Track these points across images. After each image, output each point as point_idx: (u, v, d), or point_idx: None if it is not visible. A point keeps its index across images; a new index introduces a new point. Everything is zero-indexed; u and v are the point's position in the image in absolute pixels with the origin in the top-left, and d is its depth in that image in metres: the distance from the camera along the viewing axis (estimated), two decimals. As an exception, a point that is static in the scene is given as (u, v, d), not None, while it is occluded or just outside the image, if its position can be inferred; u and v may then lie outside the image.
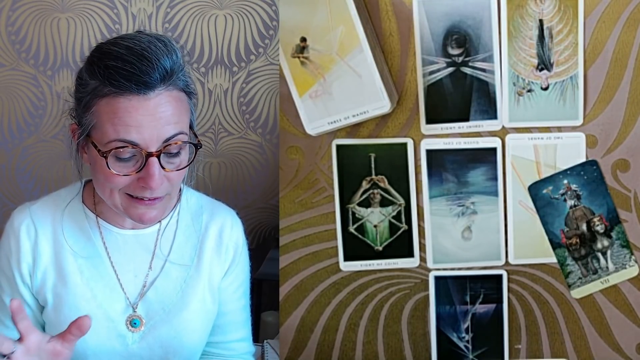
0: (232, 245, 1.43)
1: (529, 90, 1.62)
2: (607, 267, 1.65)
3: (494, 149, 1.63)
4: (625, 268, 1.65)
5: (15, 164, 2.40)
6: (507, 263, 1.67)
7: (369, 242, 1.67)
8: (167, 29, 2.30)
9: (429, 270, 1.67)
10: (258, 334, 2.12)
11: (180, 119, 1.23)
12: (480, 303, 1.67)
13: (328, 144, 1.65)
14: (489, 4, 1.60)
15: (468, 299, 1.67)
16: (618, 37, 1.60)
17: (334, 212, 1.66)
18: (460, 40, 1.61)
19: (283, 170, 1.67)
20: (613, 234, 1.64)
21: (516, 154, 1.63)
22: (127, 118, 1.19)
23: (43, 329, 1.38)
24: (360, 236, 1.67)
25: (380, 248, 1.67)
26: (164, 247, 1.39)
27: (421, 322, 1.69)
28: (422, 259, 1.67)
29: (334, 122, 1.60)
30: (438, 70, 1.62)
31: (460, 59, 1.62)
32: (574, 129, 1.63)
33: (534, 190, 1.64)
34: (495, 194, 1.65)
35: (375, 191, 1.65)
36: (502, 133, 1.63)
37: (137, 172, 1.22)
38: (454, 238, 1.66)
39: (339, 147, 1.64)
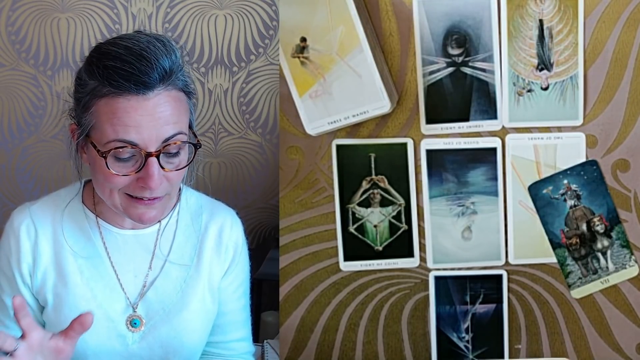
0: (231, 245, 1.43)
1: (529, 90, 1.62)
2: (607, 267, 1.65)
3: (494, 149, 1.63)
4: (625, 268, 1.65)
5: (15, 164, 2.40)
6: (507, 263, 1.67)
7: (369, 242, 1.67)
8: (167, 29, 2.30)
9: (429, 270, 1.67)
10: (258, 334, 2.12)
11: (180, 119, 1.23)
12: (480, 303, 1.67)
13: (328, 144, 1.65)
14: (489, 4, 1.60)
15: (468, 299, 1.67)
16: (618, 37, 1.60)
17: (334, 212, 1.66)
18: (460, 40, 1.61)
19: (283, 170, 1.67)
20: (613, 234, 1.64)
21: (516, 154, 1.63)
22: (126, 118, 1.19)
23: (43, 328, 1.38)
24: (360, 236, 1.67)
25: (380, 248, 1.67)
26: (164, 247, 1.39)
27: (421, 322, 1.69)
28: (422, 259, 1.67)
29: (334, 122, 1.60)
30: (438, 70, 1.62)
31: (460, 59, 1.62)
32: (574, 129, 1.63)
33: (534, 190, 1.64)
34: (495, 194, 1.65)
35: (375, 191, 1.65)
36: (502, 133, 1.63)
37: (136, 172, 1.22)
38: (454, 238, 1.66)
39: (339, 147, 1.64)
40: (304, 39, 1.59)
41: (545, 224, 1.64)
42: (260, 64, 2.34)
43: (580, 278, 1.65)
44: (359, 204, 1.66)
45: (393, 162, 1.64)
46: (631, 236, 1.64)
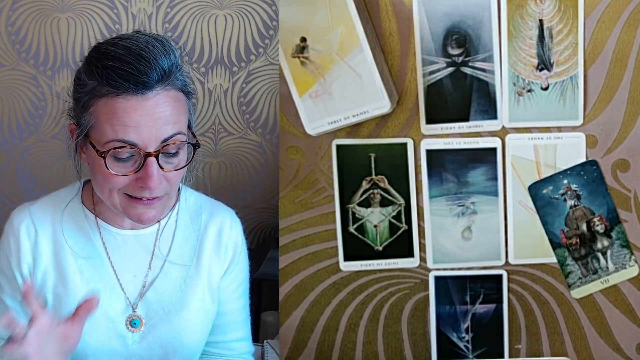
0: (231, 244, 1.43)
1: (529, 90, 1.62)
2: (607, 267, 1.65)
3: (494, 149, 1.63)
4: (625, 268, 1.65)
5: (15, 164, 2.40)
6: (507, 263, 1.67)
7: (369, 242, 1.67)
8: (167, 29, 2.30)
9: (429, 270, 1.67)
10: (258, 334, 2.12)
11: (179, 119, 1.23)
12: (480, 303, 1.67)
13: (328, 144, 1.65)
14: (489, 4, 1.60)
15: (468, 299, 1.67)
16: (618, 37, 1.60)
17: (334, 212, 1.66)
18: (460, 40, 1.61)
19: (283, 170, 1.67)
20: (613, 234, 1.64)
21: (516, 154, 1.63)
22: (126, 118, 1.19)
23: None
24: (360, 236, 1.67)
25: (380, 248, 1.67)
26: (163, 247, 1.39)
27: (421, 322, 1.69)
28: (422, 259, 1.67)
29: (334, 122, 1.60)
30: (438, 70, 1.62)
31: (460, 59, 1.62)
32: (574, 129, 1.63)
33: (534, 190, 1.64)
34: (495, 194, 1.65)
35: (375, 191, 1.65)
36: (502, 133, 1.63)
37: (135, 172, 1.22)
38: (454, 238, 1.66)
39: (339, 147, 1.64)
40: (304, 39, 1.59)
41: (545, 224, 1.64)
42: (260, 64, 2.34)
43: (580, 278, 1.65)
44: (359, 204, 1.66)
45: (393, 162, 1.64)
46: (631, 236, 1.64)
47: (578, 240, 1.64)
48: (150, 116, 1.19)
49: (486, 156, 1.64)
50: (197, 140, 1.28)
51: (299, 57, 1.60)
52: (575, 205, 1.64)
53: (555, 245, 1.65)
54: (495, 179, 1.64)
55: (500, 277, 1.67)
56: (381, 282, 1.68)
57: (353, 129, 1.64)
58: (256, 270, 2.10)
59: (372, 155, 1.64)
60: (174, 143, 1.23)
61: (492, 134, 1.63)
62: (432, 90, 1.62)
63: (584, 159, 1.63)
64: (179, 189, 1.41)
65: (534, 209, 1.64)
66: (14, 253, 1.34)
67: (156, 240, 1.39)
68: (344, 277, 1.68)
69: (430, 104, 1.62)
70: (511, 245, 1.66)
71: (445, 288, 1.67)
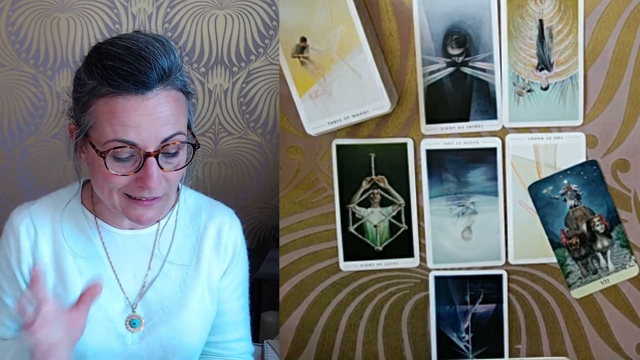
0: (230, 244, 1.43)
1: (529, 90, 1.62)
2: (607, 267, 1.65)
3: (494, 149, 1.63)
4: (625, 268, 1.65)
5: (15, 164, 2.40)
6: (507, 263, 1.67)
7: (369, 242, 1.67)
8: (167, 29, 2.30)
9: (429, 270, 1.67)
10: (258, 334, 2.12)
11: (179, 119, 1.23)
12: (480, 303, 1.67)
13: (328, 144, 1.65)
14: (489, 4, 1.60)
15: (468, 299, 1.67)
16: (618, 37, 1.60)
17: (334, 212, 1.66)
18: (460, 40, 1.61)
19: (283, 170, 1.67)
20: (613, 234, 1.64)
21: (516, 154, 1.63)
22: (125, 118, 1.19)
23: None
24: (360, 236, 1.67)
25: (380, 248, 1.67)
26: (163, 247, 1.39)
27: (421, 322, 1.69)
28: (422, 259, 1.67)
29: (334, 122, 1.60)
30: (438, 70, 1.62)
31: (460, 59, 1.62)
32: (574, 129, 1.63)
33: (534, 190, 1.64)
34: (495, 194, 1.65)
35: (375, 191, 1.65)
36: (502, 133, 1.63)
37: (135, 172, 1.22)
38: (454, 238, 1.66)
39: (339, 147, 1.64)
40: (304, 39, 1.59)
41: (545, 224, 1.64)
42: (260, 64, 2.34)
43: (580, 278, 1.65)
44: (359, 204, 1.66)
45: (393, 162, 1.64)
46: (631, 236, 1.64)
47: (578, 240, 1.64)
48: (150, 116, 1.19)
49: (486, 156, 1.64)
50: (196, 141, 1.28)
51: (299, 57, 1.60)
52: (575, 205, 1.64)
53: (555, 245, 1.65)
54: (495, 179, 1.64)
55: (500, 277, 1.67)
56: (381, 282, 1.68)
57: (353, 129, 1.64)
58: (256, 270, 2.10)
59: (372, 155, 1.64)
60: (174, 143, 1.23)
61: (492, 134, 1.63)
62: (432, 90, 1.62)
63: (584, 159, 1.63)
64: (178, 189, 1.41)
65: (534, 209, 1.64)
66: (14, 253, 1.34)
67: (156, 241, 1.39)
68: (344, 277, 1.68)
69: (430, 104, 1.62)
70: (511, 245, 1.66)
71: (445, 288, 1.67)
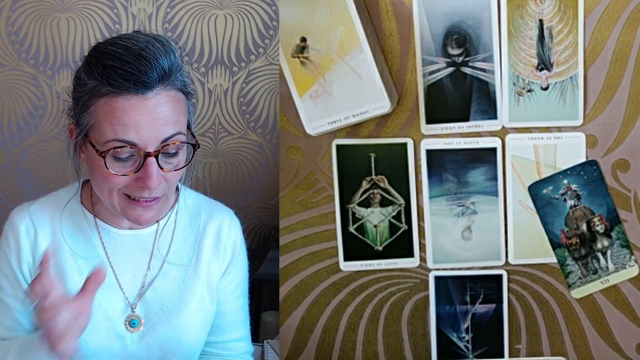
0: (230, 245, 1.43)
1: (529, 90, 1.62)
2: (607, 267, 1.65)
3: (494, 149, 1.63)
4: (625, 268, 1.65)
5: (15, 164, 2.40)
6: (507, 263, 1.67)
7: (369, 242, 1.67)
8: (167, 29, 2.30)
9: (429, 270, 1.67)
10: (258, 334, 2.12)
11: (179, 119, 1.23)
12: (480, 303, 1.67)
13: (328, 144, 1.65)
14: (489, 4, 1.60)
15: (468, 299, 1.67)
16: (618, 37, 1.60)
17: (334, 212, 1.66)
18: (460, 40, 1.61)
19: (283, 170, 1.67)
20: (613, 234, 1.64)
21: (516, 154, 1.63)
22: (125, 118, 1.19)
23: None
24: (360, 236, 1.67)
25: (380, 248, 1.67)
26: (162, 248, 1.39)
27: (421, 322, 1.69)
28: (422, 259, 1.67)
29: (334, 122, 1.60)
30: (438, 70, 1.62)
31: (460, 59, 1.62)
32: (574, 129, 1.63)
33: (534, 190, 1.64)
34: (495, 194, 1.65)
35: (375, 191, 1.65)
36: (502, 133, 1.63)
37: (135, 172, 1.22)
38: (454, 238, 1.66)
39: (339, 147, 1.64)
40: (304, 39, 1.59)
41: (545, 224, 1.64)
42: (260, 64, 2.34)
43: (580, 278, 1.65)
44: (359, 204, 1.66)
45: (393, 162, 1.64)
46: (631, 236, 1.64)
47: (578, 240, 1.64)
48: (150, 116, 1.19)
49: (486, 156, 1.64)
50: (196, 141, 1.28)
51: (299, 57, 1.60)
52: (575, 205, 1.64)
53: (555, 245, 1.65)
54: (495, 179, 1.64)
55: (500, 277, 1.67)
56: (381, 282, 1.68)
57: (353, 129, 1.64)
58: (256, 270, 2.10)
59: (372, 155, 1.64)
60: (174, 143, 1.23)
61: (492, 134, 1.63)
62: (432, 90, 1.62)
63: (584, 159, 1.63)
64: (177, 190, 1.41)
65: (534, 209, 1.64)
66: (14, 252, 1.34)
67: (155, 241, 1.39)
68: (344, 277, 1.68)
69: (430, 104, 1.62)
70: (511, 245, 1.66)
71: (445, 288, 1.67)
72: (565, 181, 1.63)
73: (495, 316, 1.67)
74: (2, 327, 1.36)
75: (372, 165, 1.65)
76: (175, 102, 1.23)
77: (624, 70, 1.60)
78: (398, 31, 1.62)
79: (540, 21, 1.60)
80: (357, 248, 1.67)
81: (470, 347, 1.68)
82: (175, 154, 1.24)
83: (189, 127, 1.29)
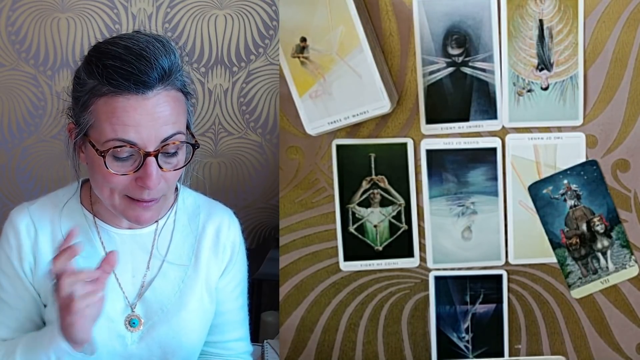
0: (229, 244, 1.43)
1: (529, 90, 1.62)
2: (607, 267, 1.65)
3: (494, 149, 1.63)
4: (625, 268, 1.65)
5: (15, 164, 2.40)
6: (507, 263, 1.67)
7: (369, 242, 1.67)
8: (167, 29, 2.30)
9: (429, 270, 1.67)
10: (258, 334, 2.12)
11: (178, 119, 1.23)
12: (480, 303, 1.67)
13: (328, 144, 1.65)
14: (489, 4, 1.60)
15: (468, 299, 1.67)
16: (618, 37, 1.60)
17: (334, 212, 1.66)
18: (460, 40, 1.61)
19: (283, 170, 1.67)
20: (613, 234, 1.64)
21: (516, 154, 1.63)
22: (125, 117, 1.19)
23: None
24: (360, 236, 1.67)
25: (380, 248, 1.67)
26: (162, 247, 1.39)
27: (421, 322, 1.69)
28: (422, 259, 1.67)
29: (334, 122, 1.60)
30: (438, 70, 1.62)
31: (460, 59, 1.62)
32: (574, 129, 1.63)
33: (534, 190, 1.64)
34: (495, 194, 1.65)
35: (375, 191, 1.65)
36: (502, 133, 1.63)
37: (134, 172, 1.22)
38: (454, 238, 1.66)
39: (339, 147, 1.64)
40: (304, 39, 1.59)
41: (545, 224, 1.64)
42: (260, 64, 2.34)
43: (580, 278, 1.65)
44: (359, 204, 1.66)
45: (393, 162, 1.64)
46: (631, 236, 1.64)
47: (578, 240, 1.64)
48: (150, 116, 1.19)
49: (486, 156, 1.64)
50: (195, 141, 1.28)
51: (299, 57, 1.60)
52: (575, 205, 1.64)
53: (555, 245, 1.65)
54: (495, 179, 1.64)
55: (500, 277, 1.67)
56: (381, 282, 1.68)
57: (353, 129, 1.64)
58: (256, 270, 2.10)
59: (372, 155, 1.64)
60: (174, 143, 1.23)
61: (492, 134, 1.63)
62: (432, 90, 1.62)
63: (584, 159, 1.63)
64: (176, 190, 1.41)
65: (534, 209, 1.64)
66: (15, 251, 1.34)
67: (154, 241, 1.39)
68: (344, 277, 1.68)
69: (430, 104, 1.62)
70: (511, 245, 1.66)
71: (445, 288, 1.67)
72: (565, 181, 1.63)
73: (495, 316, 1.67)
74: (4, 327, 1.36)
75: (372, 165, 1.65)
76: (175, 102, 1.23)
77: (624, 70, 1.61)
78: (398, 31, 1.62)
79: (540, 21, 1.60)
80: (357, 248, 1.67)
81: (470, 347, 1.68)
82: (174, 154, 1.24)
83: (188, 127, 1.29)
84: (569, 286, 1.66)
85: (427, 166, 1.64)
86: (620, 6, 1.59)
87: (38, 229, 1.35)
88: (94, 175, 1.25)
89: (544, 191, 1.64)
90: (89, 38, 2.29)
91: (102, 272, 1.21)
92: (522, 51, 1.61)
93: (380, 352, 1.69)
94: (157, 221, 1.38)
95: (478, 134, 1.63)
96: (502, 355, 1.68)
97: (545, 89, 1.61)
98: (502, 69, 1.61)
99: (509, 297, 1.67)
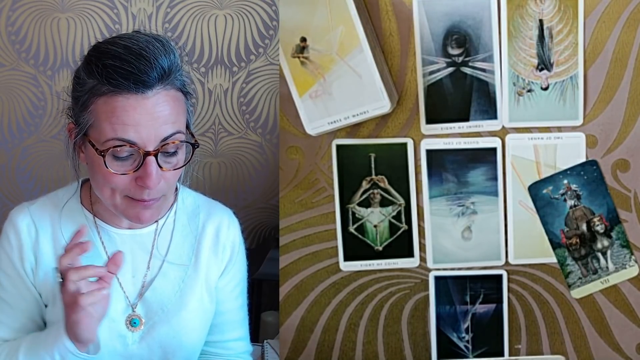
0: (229, 244, 1.43)
1: (529, 90, 1.62)
2: (607, 267, 1.65)
3: (494, 149, 1.63)
4: (625, 268, 1.65)
5: (15, 164, 2.40)
6: (507, 263, 1.67)
7: (369, 242, 1.67)
8: (167, 29, 2.30)
9: (429, 270, 1.67)
10: (258, 334, 2.12)
11: (178, 119, 1.23)
12: (480, 303, 1.67)
13: (328, 144, 1.65)
14: (489, 4, 1.60)
15: (468, 299, 1.67)
16: (618, 37, 1.60)
17: (334, 212, 1.66)
18: (460, 40, 1.61)
19: (283, 170, 1.67)
20: (613, 234, 1.64)
21: (516, 154, 1.63)
22: (125, 117, 1.19)
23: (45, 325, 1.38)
24: (360, 236, 1.67)
25: (380, 248, 1.67)
26: (162, 247, 1.39)
27: (421, 322, 1.69)
28: (422, 259, 1.67)
29: (334, 122, 1.60)
30: (438, 70, 1.62)
31: (460, 59, 1.62)
32: (574, 129, 1.63)
33: (534, 190, 1.64)
34: (495, 194, 1.65)
35: (375, 191, 1.65)
36: (502, 133, 1.63)
37: (134, 172, 1.22)
38: (454, 238, 1.66)
39: (339, 147, 1.64)
40: (304, 39, 1.59)
41: (545, 224, 1.64)
42: (260, 64, 2.34)
43: (580, 278, 1.65)
44: (359, 204, 1.66)
45: (393, 162, 1.64)
46: (631, 236, 1.64)
47: (578, 240, 1.64)
48: (150, 115, 1.19)
49: (486, 156, 1.64)
50: (195, 140, 1.28)
51: (299, 57, 1.60)
52: (575, 205, 1.64)
53: (555, 245, 1.65)
54: (495, 179, 1.64)
55: (500, 277, 1.67)
56: (381, 282, 1.68)
57: (353, 129, 1.64)
58: (256, 270, 2.10)
59: (372, 155, 1.64)
60: (173, 142, 1.23)
61: (492, 134, 1.63)
62: (432, 90, 1.62)
63: (584, 159, 1.63)
64: (176, 190, 1.41)
65: (534, 209, 1.64)
66: (15, 251, 1.34)
67: (154, 240, 1.39)
68: (344, 277, 1.68)
69: (430, 104, 1.62)
70: (511, 245, 1.66)
71: (445, 288, 1.67)
72: (565, 181, 1.63)
73: (495, 316, 1.67)
74: (5, 327, 1.36)
75: (372, 165, 1.65)
76: (175, 102, 1.23)
77: (624, 70, 1.61)
78: (398, 31, 1.62)
79: (540, 21, 1.60)
80: (357, 248, 1.67)
81: (470, 347, 1.68)
82: (174, 153, 1.24)
83: (188, 127, 1.29)
84: (569, 286, 1.66)
85: (427, 166, 1.64)
86: (620, 6, 1.59)
87: (39, 228, 1.35)
88: (94, 176, 1.25)
89: (544, 191, 1.64)
90: (89, 38, 2.29)
91: (107, 272, 1.22)
92: (522, 51, 1.61)
93: (380, 352, 1.69)
94: (157, 221, 1.38)
95: (478, 134, 1.63)
96: (502, 355, 1.68)
97: (545, 89, 1.61)
98: (502, 69, 1.61)
99: (509, 297, 1.67)
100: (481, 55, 1.61)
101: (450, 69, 1.62)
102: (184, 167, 1.28)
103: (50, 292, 1.34)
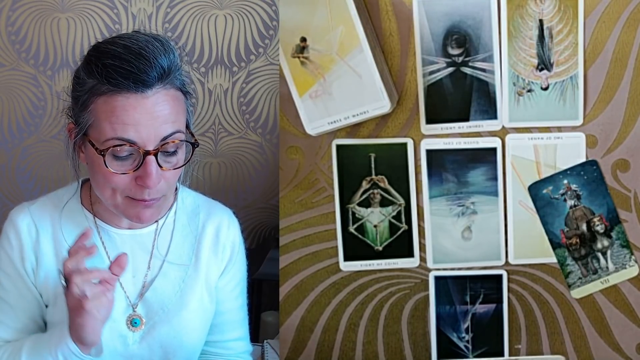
0: (229, 244, 1.44)
1: (529, 90, 1.62)
2: (607, 267, 1.65)
3: (494, 149, 1.63)
4: (625, 268, 1.65)
5: (15, 164, 2.40)
6: (507, 263, 1.67)
7: (369, 242, 1.67)
8: (167, 29, 2.30)
9: (429, 270, 1.67)
10: (258, 334, 2.12)
11: (177, 118, 1.24)
12: (480, 303, 1.67)
13: (328, 144, 1.65)
14: (489, 4, 1.60)
15: (468, 299, 1.67)
16: (618, 37, 1.60)
17: (334, 212, 1.66)
18: (460, 40, 1.61)
19: (283, 170, 1.67)
20: (613, 234, 1.64)
21: (516, 154, 1.63)
22: (125, 116, 1.19)
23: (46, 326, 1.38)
24: (360, 236, 1.67)
25: (380, 248, 1.67)
26: (162, 247, 1.39)
27: (421, 322, 1.69)
28: (422, 259, 1.67)
29: (334, 122, 1.60)
30: (438, 70, 1.62)
31: (460, 59, 1.62)
32: (574, 129, 1.63)
33: (534, 190, 1.64)
34: (495, 194, 1.65)
35: (375, 191, 1.65)
36: (502, 133, 1.63)
37: (134, 171, 1.22)
38: (454, 238, 1.66)
39: (339, 147, 1.64)
40: (304, 39, 1.59)
41: (545, 224, 1.64)
42: (260, 64, 2.34)
43: (580, 278, 1.65)
44: (359, 204, 1.66)
45: (393, 162, 1.64)
46: (631, 236, 1.64)
47: (578, 240, 1.64)
48: (150, 114, 1.19)
49: (486, 156, 1.64)
50: (195, 140, 1.28)
51: (299, 57, 1.60)
52: (575, 205, 1.64)
53: (555, 245, 1.65)
54: (495, 179, 1.64)
55: (500, 277, 1.67)
56: (381, 282, 1.68)
57: (353, 129, 1.64)
58: (256, 270, 2.10)
59: (372, 155, 1.64)
60: (173, 142, 1.23)
61: (492, 134, 1.63)
62: (432, 90, 1.62)
63: (584, 159, 1.63)
64: (176, 190, 1.41)
65: (534, 209, 1.64)
66: (16, 251, 1.34)
67: (154, 240, 1.39)
68: (344, 277, 1.68)
69: (430, 104, 1.62)
70: (511, 245, 1.66)
71: (445, 288, 1.67)
72: (565, 181, 1.63)
73: (495, 316, 1.67)
74: (5, 327, 1.36)
75: (372, 165, 1.65)
76: (174, 101, 1.23)
77: (624, 70, 1.61)
78: (398, 31, 1.62)
79: (540, 21, 1.60)
80: (357, 248, 1.67)
81: (470, 347, 1.68)
82: (174, 153, 1.24)
83: (188, 127, 1.29)
84: (569, 286, 1.66)
85: (427, 166, 1.64)
86: (620, 6, 1.59)
87: (39, 228, 1.35)
88: (95, 175, 1.25)
89: (544, 191, 1.64)
90: (89, 38, 2.29)
91: (111, 274, 1.21)
92: (522, 51, 1.61)
93: (380, 352, 1.69)
94: (157, 221, 1.38)
95: (478, 134, 1.63)
96: (502, 355, 1.68)
97: (545, 89, 1.61)
98: (502, 69, 1.61)
99: (509, 297, 1.67)
100: (481, 55, 1.61)
101: (450, 69, 1.62)
102: (183, 167, 1.28)
103: (51, 292, 1.34)
